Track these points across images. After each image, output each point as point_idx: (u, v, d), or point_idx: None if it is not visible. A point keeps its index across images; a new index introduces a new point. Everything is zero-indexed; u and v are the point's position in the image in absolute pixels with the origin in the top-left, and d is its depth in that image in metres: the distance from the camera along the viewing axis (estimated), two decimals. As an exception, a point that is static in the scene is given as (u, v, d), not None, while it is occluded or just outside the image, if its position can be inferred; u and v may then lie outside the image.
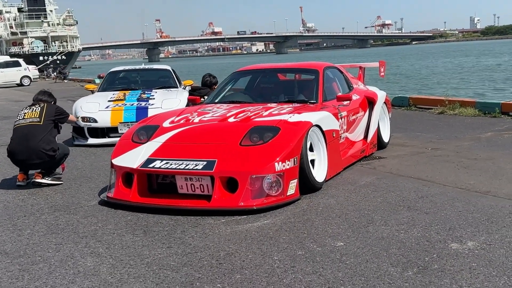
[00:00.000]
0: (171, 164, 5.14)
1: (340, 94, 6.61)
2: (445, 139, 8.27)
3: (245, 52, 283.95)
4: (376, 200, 5.17)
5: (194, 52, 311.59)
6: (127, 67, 11.67)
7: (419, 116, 10.95)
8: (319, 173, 5.73)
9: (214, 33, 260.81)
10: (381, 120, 7.97)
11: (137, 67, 11.65)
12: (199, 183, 5.07)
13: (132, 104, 9.40)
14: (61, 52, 70.54)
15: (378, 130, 7.56)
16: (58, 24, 77.04)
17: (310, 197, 5.38)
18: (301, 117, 5.57)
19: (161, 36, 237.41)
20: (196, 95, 8.35)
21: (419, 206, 4.94)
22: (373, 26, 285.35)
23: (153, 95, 9.82)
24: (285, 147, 5.15)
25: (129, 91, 10.15)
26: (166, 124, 5.85)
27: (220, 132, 5.47)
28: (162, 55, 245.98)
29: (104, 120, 9.09)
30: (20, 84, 33.68)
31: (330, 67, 7.40)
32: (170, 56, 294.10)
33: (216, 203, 4.91)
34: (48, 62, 68.91)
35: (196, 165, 5.05)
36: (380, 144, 7.68)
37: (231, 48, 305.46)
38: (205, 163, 5.05)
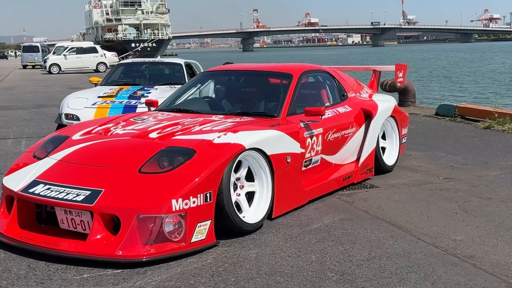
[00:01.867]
0: (51, 191, 4.06)
1: (309, 107, 5.22)
2: (470, 165, 6.64)
3: (340, 44, 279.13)
4: (309, 258, 3.84)
5: (289, 42, 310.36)
6: (136, 60, 10.75)
7: (460, 130, 9.18)
8: (256, 210, 4.45)
9: (310, 23, 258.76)
10: (388, 138, 6.49)
11: (148, 60, 10.70)
12: (79, 219, 3.96)
13: (121, 102, 8.41)
14: (151, 40, 71.85)
15: (376, 151, 6.09)
16: (151, 12, 78.53)
17: (231, 243, 4.11)
18: (232, 137, 4.30)
19: (257, 26, 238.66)
20: None
21: (359, 273, 3.55)
22: (479, 20, 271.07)
23: (150, 92, 8.80)
24: (193, 178, 3.91)
25: (129, 87, 9.18)
26: (77, 135, 4.78)
27: (124, 152, 4.32)
28: (257, 45, 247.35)
29: (87, 118, 8.16)
30: (96, 70, 34.04)
31: (314, 71, 6.01)
32: (265, 46, 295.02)
33: (89, 248, 3.78)
34: (139, 48, 70.50)
35: (77, 195, 3.94)
36: (381, 167, 6.20)
37: (326, 39, 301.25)
38: (88, 193, 3.93)
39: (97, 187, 3.96)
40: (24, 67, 42.61)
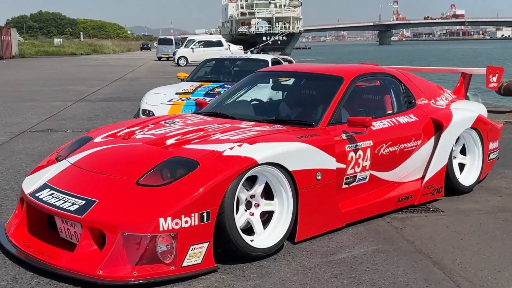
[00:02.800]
0: (53, 197, 3.85)
1: (354, 116, 4.55)
2: None
3: (487, 38, 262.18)
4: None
5: (430, 35, 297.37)
6: (222, 56, 10.48)
7: None
8: (272, 233, 3.94)
9: (455, 15, 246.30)
10: (469, 153, 5.60)
11: (234, 56, 10.38)
12: (73, 230, 3.71)
13: (196, 99, 8.17)
14: (282, 33, 72.13)
15: (448, 168, 5.25)
16: (283, 6, 78.87)
17: (232, 270, 3.64)
18: (246, 149, 3.82)
19: (396, 18, 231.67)
20: None
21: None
22: None
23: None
24: (187, 195, 3.48)
25: (210, 83, 8.94)
26: (99, 138, 4.55)
27: (130, 160, 4.00)
28: (395, 38, 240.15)
29: (161, 115, 8.03)
30: (221, 63, 34.64)
31: (373, 74, 5.31)
32: (404, 39, 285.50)
33: (72, 264, 3.50)
34: (269, 42, 71.17)
35: (72, 204, 3.69)
36: (454, 187, 5.35)
37: (472, 33, 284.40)
38: (83, 203, 3.66)
39: (93, 197, 3.68)
40: (159, 59, 44.56)
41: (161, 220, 3.40)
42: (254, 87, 5.56)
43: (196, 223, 3.49)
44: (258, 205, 3.95)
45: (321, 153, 4.19)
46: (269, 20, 75.90)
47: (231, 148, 3.82)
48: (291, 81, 5.53)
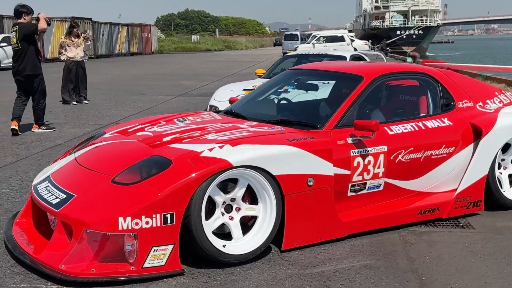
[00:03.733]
0: (46, 190, 4.00)
1: (360, 120, 4.20)
2: None
3: None
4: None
5: None
6: (302, 52, 10.21)
7: None
8: (252, 240, 3.77)
9: None
10: (518, 163, 4.97)
11: (312, 52, 10.10)
12: (55, 223, 3.81)
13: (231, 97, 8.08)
14: (418, 27, 69.31)
15: (489, 180, 4.69)
16: (422, -2, 75.80)
17: (200, 274, 3.54)
18: (225, 151, 3.68)
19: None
20: None
21: None
22: None
23: (295, 88, 8.27)
24: (150, 195, 3.44)
25: (282, 80, 8.78)
26: (108, 134, 4.64)
27: (117, 157, 4.03)
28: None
29: (225, 111, 8.05)
30: (343, 58, 34.14)
31: (403, 73, 4.86)
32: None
33: (42, 256, 3.60)
34: (403, 36, 68.78)
35: (55, 198, 3.81)
36: (499, 202, 4.78)
37: None
38: (63, 197, 3.76)
39: (73, 192, 3.76)
40: (284, 54, 44.90)
41: (121, 219, 3.38)
42: (278, 85, 5.35)
43: (158, 224, 3.42)
44: (240, 209, 3.79)
45: (314, 158, 3.92)
46: (404, 14, 73.27)
47: (210, 149, 3.70)
48: (308, 80, 5.25)
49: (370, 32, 69.17)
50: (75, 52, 12.65)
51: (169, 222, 3.44)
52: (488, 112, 4.90)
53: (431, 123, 4.58)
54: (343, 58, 9.35)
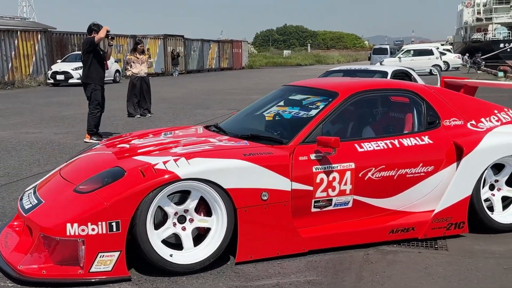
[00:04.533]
0: (27, 197, 4.34)
1: (323, 136, 4.21)
2: None
3: None
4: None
5: None
6: (344, 67, 10.11)
7: None
8: (203, 251, 3.88)
9: None
10: (514, 185, 4.73)
11: (353, 67, 9.97)
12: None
13: (290, 112, 8.13)
14: (522, 40, 65.82)
15: (474, 201, 4.51)
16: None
17: (144, 281, 3.71)
18: (176, 164, 3.85)
19: None
20: None
21: None
22: None
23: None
24: (97, 203, 3.67)
25: (317, 96, 8.80)
26: (99, 145, 4.95)
27: (89, 167, 4.30)
28: None
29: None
30: (430, 73, 33.14)
31: (384, 91, 4.78)
32: None
33: (8, 256, 3.92)
34: (508, 49, 65.53)
35: (29, 204, 4.13)
36: (484, 224, 4.59)
37: None
38: (35, 203, 4.08)
39: (44, 198, 4.06)
40: (372, 68, 44.20)
41: (68, 225, 3.62)
42: (278, 101, 5.43)
43: (104, 231, 3.63)
44: (193, 220, 3.93)
45: (269, 173, 3.98)
46: (509, 26, 69.80)
47: (164, 162, 3.88)
48: (298, 97, 5.28)
49: (471, 45, 66.44)
50: (140, 68, 13.31)
51: (114, 229, 3.64)
52: (477, 131, 4.72)
53: (408, 141, 4.48)
54: (384, 73, 9.20)
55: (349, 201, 4.30)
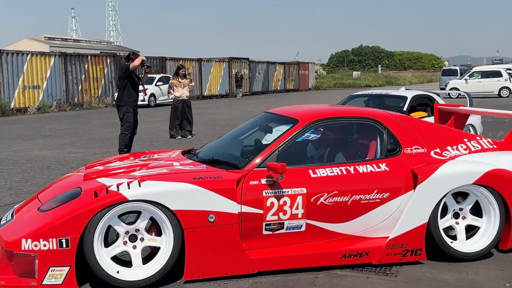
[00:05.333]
0: (5, 215, 4.73)
1: (273, 162, 4.37)
2: None
3: None
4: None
5: None
6: (366, 91, 10.11)
7: None
8: (151, 268, 4.14)
9: None
10: (486, 215, 4.70)
11: (380, 92, 9.93)
12: (1, 241, 4.55)
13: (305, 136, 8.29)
14: None
15: (431, 228, 4.52)
16: None
17: (89, 295, 4.01)
18: (128, 186, 4.14)
19: None
20: None
21: None
22: None
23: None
24: (49, 222, 4.02)
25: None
26: (85, 166, 5.32)
27: (59, 189, 4.65)
28: None
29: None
30: (499, 95, 32.11)
31: (346, 118, 4.89)
32: None
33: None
34: None
35: (3, 220, 4.55)
36: (443, 252, 4.58)
37: None
38: (8, 219, 4.49)
39: (15, 216, 4.45)
40: (441, 90, 43.19)
41: (23, 240, 3.98)
42: (257, 127, 5.59)
43: (55, 247, 3.96)
44: (143, 239, 4.19)
45: (216, 196, 4.19)
46: None
47: (118, 184, 4.18)
48: (271, 124, 5.41)
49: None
50: (181, 91, 13.84)
51: (64, 246, 3.96)
52: (439, 159, 4.72)
53: (364, 168, 4.57)
54: (404, 98, 9.18)
55: (301, 225, 4.43)
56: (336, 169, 4.52)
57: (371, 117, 4.88)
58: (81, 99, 28.09)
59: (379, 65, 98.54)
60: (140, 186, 4.14)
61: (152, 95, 27.41)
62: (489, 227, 4.68)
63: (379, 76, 71.51)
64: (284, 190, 4.35)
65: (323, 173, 4.48)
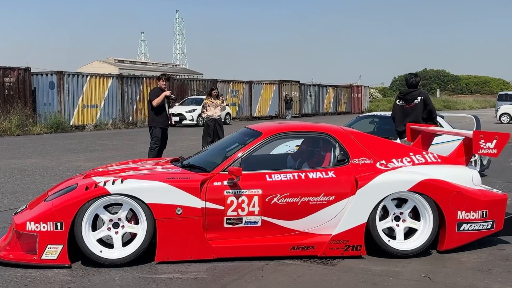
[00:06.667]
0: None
1: (234, 167, 5.25)
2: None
3: None
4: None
5: None
6: (371, 114, 10.77)
7: None
8: (127, 249, 5.08)
9: None
10: (422, 218, 5.39)
11: (381, 114, 10.59)
12: (16, 225, 5.61)
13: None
14: None
15: (370, 228, 5.26)
16: None
17: (79, 269, 4.98)
18: (113, 183, 5.11)
19: None
20: None
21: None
22: None
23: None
24: (49, 208, 5.04)
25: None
26: (90, 170, 6.35)
27: (63, 185, 5.67)
28: None
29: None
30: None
31: (302, 133, 5.71)
32: None
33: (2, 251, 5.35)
34: None
35: (19, 210, 5.61)
36: (381, 249, 5.30)
37: None
38: (22, 209, 5.55)
39: (28, 206, 5.51)
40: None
41: (28, 223, 5.01)
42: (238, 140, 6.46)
43: (52, 229, 4.97)
44: (124, 226, 5.15)
45: (183, 193, 5.10)
46: None
47: (106, 181, 5.16)
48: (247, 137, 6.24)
49: None
50: (213, 111, 14.88)
51: (59, 228, 4.96)
52: (381, 169, 5.45)
53: (314, 174, 5.36)
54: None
55: (258, 221, 5.26)
56: (289, 175, 5.34)
57: (325, 132, 5.68)
58: (135, 117, 29.75)
59: (438, 89, 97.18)
60: (122, 183, 5.10)
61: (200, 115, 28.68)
62: (424, 229, 5.36)
63: (437, 100, 70.69)
64: (243, 190, 5.21)
65: (278, 177, 5.31)
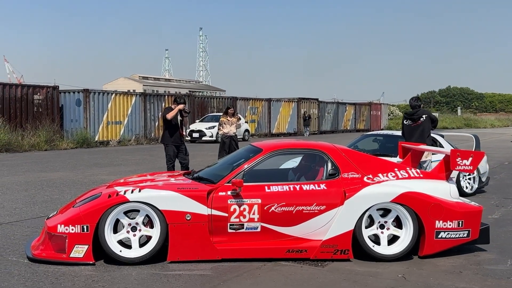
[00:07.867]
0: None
1: (236, 178, 6.01)
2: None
3: None
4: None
5: None
6: (375, 132, 11.44)
7: None
8: (142, 250, 5.85)
9: None
10: (404, 226, 6.07)
11: (385, 132, 11.24)
12: (49, 228, 6.43)
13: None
14: None
15: (356, 235, 5.96)
16: None
17: (106, 268, 5.76)
18: (132, 192, 5.89)
19: None
20: None
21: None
22: None
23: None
24: (76, 213, 5.85)
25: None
26: (113, 181, 7.17)
27: (89, 194, 6.47)
28: None
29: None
30: None
31: (298, 150, 6.45)
32: None
33: (32, 246, 6.19)
34: None
35: (51, 214, 6.44)
36: (367, 254, 5.99)
37: None
38: (54, 213, 6.38)
39: (59, 211, 6.34)
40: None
41: (58, 225, 5.82)
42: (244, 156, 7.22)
43: (79, 231, 5.77)
44: (140, 230, 5.93)
45: (191, 201, 5.86)
46: None
47: (126, 191, 5.96)
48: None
49: None
50: (229, 128, 15.68)
51: (85, 230, 5.76)
52: (368, 183, 6.16)
53: (307, 187, 6.09)
54: (401, 137, 10.51)
55: (257, 227, 6.00)
56: (285, 186, 6.08)
57: (319, 149, 6.42)
58: (157, 134, 30.71)
59: (459, 107, 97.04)
60: (139, 192, 5.89)
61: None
62: (405, 237, 6.04)
63: (458, 118, 70.86)
64: (244, 200, 5.96)
65: (275, 188, 6.05)
